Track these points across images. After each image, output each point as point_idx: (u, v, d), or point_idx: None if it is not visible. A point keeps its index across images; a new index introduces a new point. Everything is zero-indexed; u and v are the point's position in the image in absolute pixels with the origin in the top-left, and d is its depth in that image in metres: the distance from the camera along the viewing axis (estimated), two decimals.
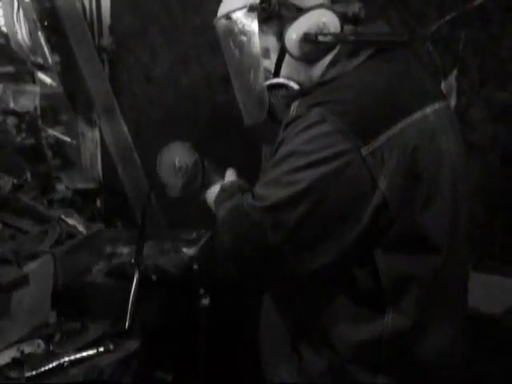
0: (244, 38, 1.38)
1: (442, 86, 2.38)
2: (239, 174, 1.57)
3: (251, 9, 1.35)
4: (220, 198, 1.43)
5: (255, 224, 1.22)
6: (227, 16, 1.40)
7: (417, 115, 1.25)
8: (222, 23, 1.42)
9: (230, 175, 1.57)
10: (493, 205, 2.41)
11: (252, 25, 1.36)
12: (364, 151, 1.17)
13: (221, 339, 2.18)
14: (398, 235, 1.22)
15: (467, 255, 1.39)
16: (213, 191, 1.51)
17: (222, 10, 1.43)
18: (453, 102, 2.39)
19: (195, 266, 2.13)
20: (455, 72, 2.37)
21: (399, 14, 2.41)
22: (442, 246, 1.27)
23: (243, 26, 1.37)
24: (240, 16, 1.37)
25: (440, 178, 1.26)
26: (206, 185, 1.61)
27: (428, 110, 1.28)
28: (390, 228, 1.21)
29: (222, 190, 1.45)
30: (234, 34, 1.40)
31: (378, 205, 1.19)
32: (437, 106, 1.31)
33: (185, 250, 2.30)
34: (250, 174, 1.62)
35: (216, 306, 2.06)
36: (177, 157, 1.63)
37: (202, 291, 2.05)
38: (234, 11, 1.39)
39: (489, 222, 2.42)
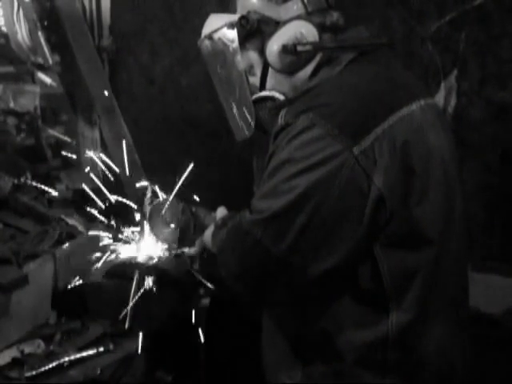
0: (227, 56, 1.42)
1: (442, 85, 2.38)
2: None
3: (231, 27, 1.39)
4: (215, 233, 1.44)
5: (257, 241, 1.23)
6: (209, 36, 1.44)
7: (403, 111, 1.27)
8: (205, 44, 1.46)
9: (221, 212, 1.58)
10: (493, 205, 2.41)
11: (233, 43, 1.40)
12: (356, 150, 1.19)
13: (221, 339, 2.18)
14: (397, 230, 1.24)
15: (464, 248, 1.40)
16: (208, 233, 1.51)
17: (205, 30, 1.46)
18: (453, 102, 2.39)
19: (195, 266, 2.13)
20: (455, 72, 2.37)
21: (399, 13, 2.41)
22: (436, 238, 1.28)
23: (225, 44, 1.41)
24: (221, 35, 1.41)
25: (431, 171, 1.28)
26: (200, 230, 1.61)
27: (414, 106, 1.30)
28: (389, 224, 1.23)
29: (216, 227, 1.46)
30: (216, 53, 1.44)
31: (376, 202, 1.20)
32: (422, 102, 1.33)
33: (185, 249, 2.30)
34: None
35: (216, 306, 2.06)
36: (166, 215, 1.65)
37: (201, 291, 2.05)
38: (215, 31, 1.42)
39: (489, 222, 2.42)
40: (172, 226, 1.64)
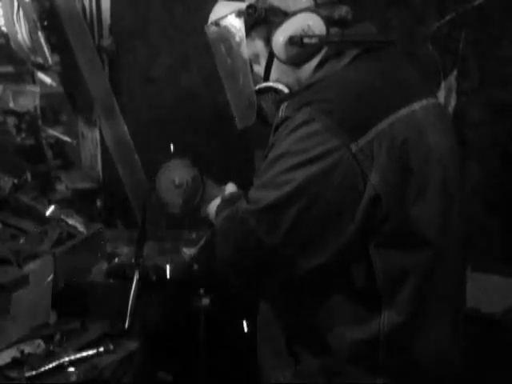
0: (233, 44, 1.41)
1: (442, 85, 2.38)
2: (239, 185, 1.57)
3: (238, 15, 1.38)
4: (220, 209, 1.44)
5: (250, 230, 1.23)
6: (216, 23, 1.43)
7: (404, 111, 1.26)
8: (211, 30, 1.45)
9: (231, 188, 1.58)
10: (492, 205, 2.41)
11: (240, 31, 1.39)
12: (354, 147, 1.19)
13: (221, 339, 2.18)
14: (392, 230, 1.23)
15: (461, 250, 1.39)
16: (213, 205, 1.51)
17: (212, 17, 1.46)
18: (453, 101, 2.39)
19: (195, 266, 2.13)
20: (455, 72, 2.38)
21: (399, 13, 2.42)
22: (432, 240, 1.27)
23: (231, 32, 1.41)
24: (228, 22, 1.41)
25: (429, 172, 1.27)
26: (206, 200, 1.60)
27: (415, 105, 1.29)
28: (384, 223, 1.22)
29: (223, 201, 1.46)
30: (222, 40, 1.43)
31: (371, 200, 1.19)
32: (424, 102, 1.32)
33: (185, 250, 2.30)
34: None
35: (216, 305, 2.06)
36: (176, 174, 1.63)
37: (201, 291, 2.05)
38: (222, 18, 1.42)
39: (489, 222, 2.42)
40: (180, 189, 1.60)
